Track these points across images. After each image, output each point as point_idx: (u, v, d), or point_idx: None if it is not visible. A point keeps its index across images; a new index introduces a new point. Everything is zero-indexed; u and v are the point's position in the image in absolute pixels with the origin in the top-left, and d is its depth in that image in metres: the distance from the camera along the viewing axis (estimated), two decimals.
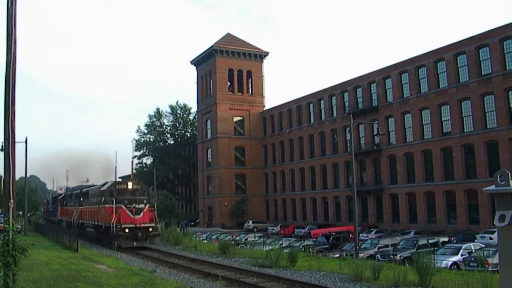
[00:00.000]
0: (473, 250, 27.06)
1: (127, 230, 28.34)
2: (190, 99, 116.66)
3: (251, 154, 78.72)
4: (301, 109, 70.59)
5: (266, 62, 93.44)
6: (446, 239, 35.48)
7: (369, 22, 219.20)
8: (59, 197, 55.35)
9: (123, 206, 28.98)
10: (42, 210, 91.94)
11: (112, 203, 28.77)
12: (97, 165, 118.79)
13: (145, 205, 30.11)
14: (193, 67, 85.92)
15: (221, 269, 19.97)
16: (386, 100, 55.98)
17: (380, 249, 32.15)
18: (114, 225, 28.21)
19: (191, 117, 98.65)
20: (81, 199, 39.10)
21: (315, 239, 40.50)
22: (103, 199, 31.04)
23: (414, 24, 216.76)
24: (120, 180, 36.90)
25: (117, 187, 30.65)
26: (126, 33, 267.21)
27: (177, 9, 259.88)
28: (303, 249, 29.54)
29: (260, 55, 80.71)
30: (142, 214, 29.48)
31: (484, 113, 45.27)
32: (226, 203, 75.13)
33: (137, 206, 29.41)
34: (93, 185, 42.20)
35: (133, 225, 28.73)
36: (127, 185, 31.06)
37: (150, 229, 29.34)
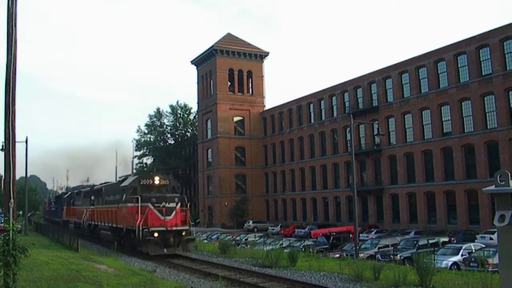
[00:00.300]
0: (473, 250, 27.09)
1: (156, 234, 23.70)
2: (190, 99, 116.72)
3: (251, 154, 78.75)
4: (301, 109, 70.60)
5: (267, 62, 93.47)
6: (446, 239, 35.49)
7: (369, 22, 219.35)
8: (65, 196, 50.18)
9: (150, 205, 24.40)
10: (42, 210, 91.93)
11: (137, 202, 24.27)
12: (105, 161, 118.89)
13: (177, 204, 25.33)
14: (194, 67, 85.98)
15: (221, 269, 19.98)
16: (387, 100, 55.99)
17: (380, 249, 32.16)
18: (140, 228, 23.58)
19: (191, 117, 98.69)
20: (92, 197, 35.11)
21: (315, 239, 40.52)
22: (124, 196, 26.40)
23: (414, 24, 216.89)
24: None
25: (141, 183, 26.07)
26: (126, 33, 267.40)
27: (177, 9, 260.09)
28: (303, 249, 29.55)
29: (260, 55, 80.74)
30: (173, 214, 24.87)
31: (485, 113, 45.29)
32: (226, 203, 75.15)
33: (167, 205, 24.75)
34: (106, 182, 37.32)
35: (163, 228, 24.10)
36: (153, 180, 26.37)
37: (184, 233, 24.85)
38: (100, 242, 32.54)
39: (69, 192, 49.91)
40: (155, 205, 24.50)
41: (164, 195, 25.41)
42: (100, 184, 36.91)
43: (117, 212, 27.51)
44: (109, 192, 30.77)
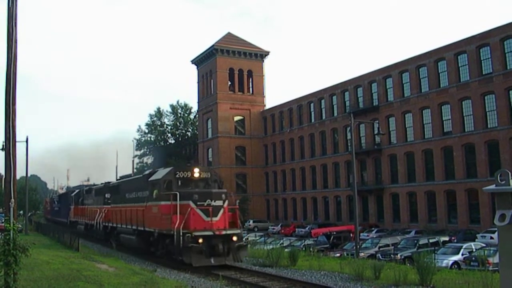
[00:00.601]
0: (474, 250, 27.14)
1: (200, 241, 19.01)
2: (190, 98, 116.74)
3: (251, 153, 78.75)
4: (302, 109, 70.62)
5: (267, 61, 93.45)
6: (446, 238, 35.61)
7: (369, 21, 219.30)
8: (72, 194, 45.59)
9: (191, 204, 19.74)
10: (43, 209, 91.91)
11: (174, 199, 19.74)
12: (105, 161, 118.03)
13: (224, 202, 20.61)
14: (194, 67, 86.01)
15: (221, 268, 19.96)
16: (387, 100, 56.00)
17: (381, 249, 32.20)
18: (181, 233, 18.99)
19: (191, 116, 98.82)
20: (107, 195, 31.18)
21: (315, 239, 40.56)
22: (154, 193, 21.89)
23: (414, 24, 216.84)
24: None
25: (177, 176, 21.42)
26: (127, 32, 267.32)
27: (177, 8, 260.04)
28: (303, 249, 29.55)
29: (260, 55, 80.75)
30: (220, 215, 20.20)
31: (485, 113, 45.29)
32: None
33: (213, 203, 20.04)
34: (122, 178, 32.66)
35: (210, 233, 19.47)
36: (192, 172, 21.67)
37: (234, 238, 20.05)
38: (108, 245, 29.96)
39: (77, 190, 45.96)
40: (198, 203, 19.88)
41: (208, 190, 20.89)
42: (118, 179, 33.33)
43: (145, 212, 22.83)
44: (130, 188, 26.36)
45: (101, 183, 37.79)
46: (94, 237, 34.41)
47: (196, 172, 21.65)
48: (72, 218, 44.28)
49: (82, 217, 39.24)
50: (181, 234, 18.95)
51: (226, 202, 20.78)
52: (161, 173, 22.50)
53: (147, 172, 24.94)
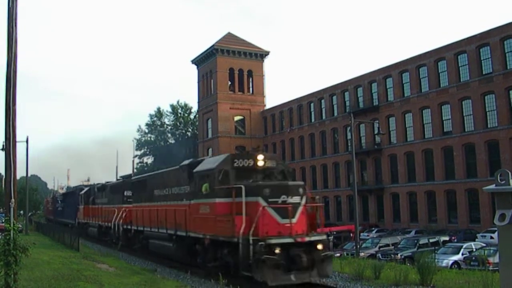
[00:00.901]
0: (474, 249, 27.20)
1: (277, 251, 13.83)
2: (191, 98, 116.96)
3: None
4: (302, 109, 70.62)
5: (267, 61, 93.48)
6: (447, 238, 35.64)
7: (369, 21, 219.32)
8: (81, 192, 40.89)
9: (261, 201, 14.51)
10: (44, 209, 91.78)
11: (238, 195, 14.79)
12: (105, 161, 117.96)
13: (302, 198, 15.16)
14: (194, 66, 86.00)
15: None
16: (387, 99, 56.00)
17: (381, 248, 32.26)
18: (250, 241, 13.99)
19: (191, 116, 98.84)
20: (127, 192, 27.38)
21: None
22: (203, 188, 16.82)
23: (415, 24, 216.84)
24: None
25: (235, 164, 16.28)
26: (126, 32, 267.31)
27: (178, 8, 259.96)
28: None
29: (261, 55, 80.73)
30: (298, 216, 14.85)
31: (485, 112, 45.28)
32: None
33: (289, 200, 14.72)
34: (123, 178, 28.94)
35: (289, 240, 14.27)
36: (255, 160, 16.48)
37: (319, 246, 14.75)
38: (111, 245, 27.95)
39: (87, 188, 41.76)
40: (269, 200, 14.58)
41: (284, 183, 15.70)
42: (118, 179, 28.60)
43: (188, 213, 18.05)
44: (161, 183, 21.80)
45: (118, 179, 34.04)
46: (111, 241, 30.09)
47: (261, 160, 16.46)
48: (81, 219, 39.99)
49: (94, 218, 34.96)
50: (250, 242, 13.98)
51: (304, 198, 15.43)
52: (212, 161, 17.42)
53: (186, 162, 19.62)
